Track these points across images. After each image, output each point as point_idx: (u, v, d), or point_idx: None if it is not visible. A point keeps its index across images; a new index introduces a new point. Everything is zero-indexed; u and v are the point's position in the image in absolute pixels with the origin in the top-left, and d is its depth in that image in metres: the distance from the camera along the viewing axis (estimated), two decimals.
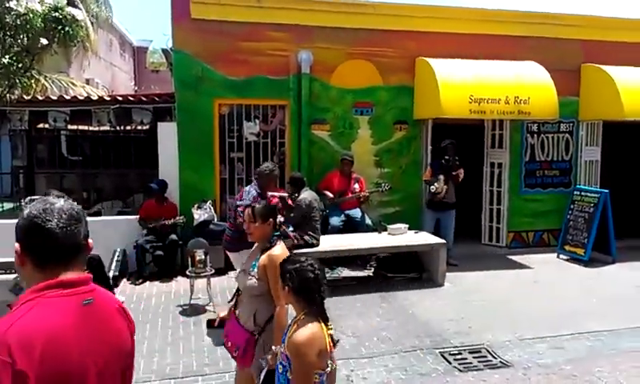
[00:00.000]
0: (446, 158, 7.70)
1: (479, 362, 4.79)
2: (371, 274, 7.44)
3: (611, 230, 8.03)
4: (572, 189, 8.89)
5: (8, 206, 9.01)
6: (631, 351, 5.00)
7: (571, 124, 9.07)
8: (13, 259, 4.95)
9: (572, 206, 8.47)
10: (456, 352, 4.97)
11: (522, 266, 7.95)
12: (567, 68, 8.69)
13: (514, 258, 8.41)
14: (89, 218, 6.02)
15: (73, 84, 10.92)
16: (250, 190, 5.37)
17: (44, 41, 6.00)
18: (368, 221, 7.77)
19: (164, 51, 9.10)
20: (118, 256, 7.17)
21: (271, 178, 5.49)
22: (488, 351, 5.00)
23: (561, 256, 8.43)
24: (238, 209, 5.26)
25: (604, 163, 9.35)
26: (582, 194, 8.39)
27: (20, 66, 6.00)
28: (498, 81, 7.75)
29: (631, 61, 8.66)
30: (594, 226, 7.95)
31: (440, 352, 4.95)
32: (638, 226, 9.81)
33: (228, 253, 5.52)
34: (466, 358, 4.85)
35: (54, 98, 8.58)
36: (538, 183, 9.07)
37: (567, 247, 8.36)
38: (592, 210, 8.08)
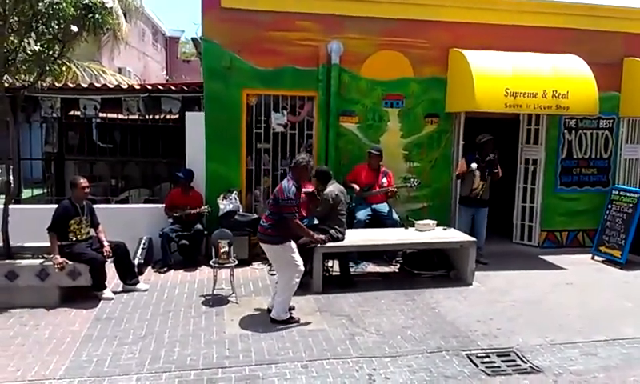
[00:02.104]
0: (491, 156, 7.44)
1: (508, 366, 4.59)
2: (397, 271, 7.29)
3: None
4: (610, 188, 8.53)
5: (37, 191, 9.17)
6: None
7: (611, 120, 8.69)
8: (40, 244, 5.04)
9: (609, 206, 8.12)
10: (483, 355, 4.79)
11: (554, 267, 7.67)
12: (608, 61, 8.33)
13: (546, 258, 8.13)
14: (116, 206, 6.10)
15: (103, 72, 11.02)
16: (290, 187, 5.22)
17: (74, 28, 5.97)
18: (395, 216, 7.60)
19: (194, 40, 9.08)
20: (144, 244, 7.20)
21: (308, 170, 5.45)
22: (517, 355, 4.80)
23: (596, 257, 8.11)
24: (290, 213, 5.20)
25: None
26: (621, 193, 8.03)
27: (51, 53, 6.00)
28: (535, 74, 7.43)
29: None
30: (633, 227, 7.59)
31: (467, 354, 4.78)
32: None
33: (263, 245, 5.42)
34: (493, 362, 4.67)
35: (85, 85, 8.66)
36: (574, 181, 8.73)
37: (603, 248, 8.03)
38: (631, 210, 7.73)
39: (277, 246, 5.29)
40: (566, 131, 8.63)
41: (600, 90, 7.61)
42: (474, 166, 7.40)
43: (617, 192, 8.13)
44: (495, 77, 7.35)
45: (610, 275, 7.39)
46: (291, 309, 5.50)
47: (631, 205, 7.75)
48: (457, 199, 7.97)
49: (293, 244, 5.39)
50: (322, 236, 5.98)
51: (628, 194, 7.90)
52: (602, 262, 7.97)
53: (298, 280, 5.38)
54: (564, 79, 7.51)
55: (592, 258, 8.13)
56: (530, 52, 7.86)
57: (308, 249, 6.09)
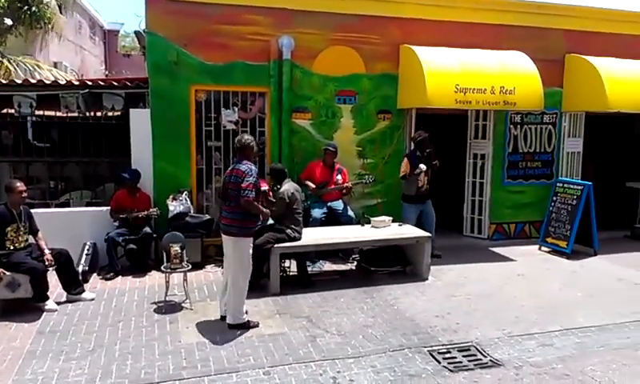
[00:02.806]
0: (428, 150, 7.49)
1: (469, 361, 4.62)
2: (354, 268, 7.24)
3: (594, 222, 7.99)
4: (554, 181, 8.84)
5: None
6: (620, 348, 4.91)
7: (554, 115, 8.99)
8: None
9: (554, 198, 8.41)
10: (445, 351, 4.80)
11: (504, 259, 7.86)
12: (551, 58, 8.60)
13: (496, 250, 8.33)
14: (56, 210, 5.66)
15: (39, 66, 10.32)
16: (252, 168, 5.00)
17: (8, 21, 5.54)
18: (350, 213, 7.55)
19: (137, 34, 8.66)
20: (88, 249, 6.80)
21: (254, 149, 5.26)
22: (477, 349, 4.84)
23: (542, 248, 8.38)
24: (247, 189, 4.89)
25: (585, 154, 9.35)
26: (565, 185, 8.32)
27: None
28: (483, 70, 7.58)
29: (615, 52, 8.62)
30: (577, 218, 7.88)
31: (428, 351, 4.78)
32: (618, 218, 9.87)
33: (226, 238, 5.13)
34: (455, 357, 4.68)
35: (19, 81, 8.07)
36: (520, 175, 8.99)
37: (549, 239, 8.30)
38: (575, 202, 8.02)
39: (241, 239, 5.05)
40: (511, 126, 8.86)
41: (544, 86, 7.84)
42: (422, 167, 7.42)
43: (561, 184, 8.42)
44: (445, 73, 7.43)
45: (557, 265, 7.64)
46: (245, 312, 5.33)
47: (575, 196, 8.04)
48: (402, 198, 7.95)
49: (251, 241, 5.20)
50: (268, 211, 5.53)
51: (572, 186, 8.19)
52: (549, 252, 8.24)
53: (248, 279, 5.20)
54: (510, 75, 7.68)
55: (539, 249, 8.39)
56: (477, 48, 7.99)
57: (265, 249, 5.94)
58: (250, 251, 5.16)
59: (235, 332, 5.04)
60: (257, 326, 5.17)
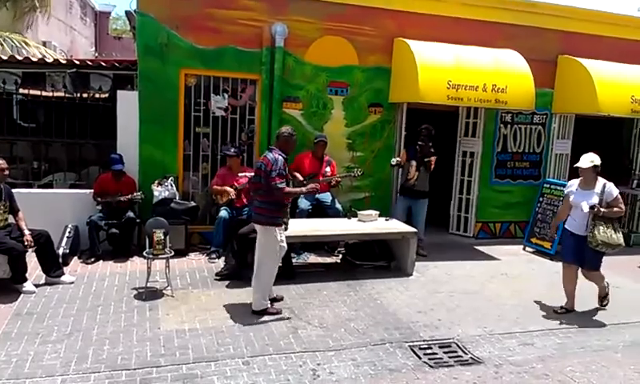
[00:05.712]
0: (419, 144, 7.47)
1: (450, 357, 4.62)
2: (338, 261, 7.21)
3: None
4: (541, 181, 8.86)
5: None
6: (600, 350, 4.94)
7: (544, 116, 8.99)
8: None
9: (541, 199, 8.43)
10: (426, 346, 4.79)
11: (489, 258, 7.87)
12: (544, 58, 8.57)
13: (481, 248, 8.34)
14: (38, 190, 5.53)
15: (26, 43, 10.10)
16: (277, 157, 5.00)
17: None
18: (338, 205, 7.50)
19: (127, 14, 8.50)
20: (70, 232, 6.70)
21: (291, 142, 5.24)
22: (458, 346, 4.84)
23: (527, 248, 8.40)
24: (276, 181, 4.94)
25: (573, 157, 9.35)
26: (552, 186, 8.34)
27: None
28: (476, 67, 7.52)
29: (608, 55, 8.62)
30: (562, 220, 7.87)
31: (409, 346, 4.77)
32: None
33: (256, 226, 5.18)
34: (436, 353, 4.67)
35: (5, 57, 7.89)
36: (508, 174, 8.99)
37: (534, 240, 8.33)
38: (561, 203, 8.03)
39: (269, 227, 5.07)
40: (501, 125, 8.85)
41: (536, 86, 7.80)
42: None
43: (548, 185, 8.44)
44: (439, 68, 7.36)
45: (541, 266, 7.66)
46: (280, 299, 5.49)
47: (562, 198, 8.04)
48: (397, 189, 8.01)
49: (281, 229, 5.22)
50: (313, 185, 5.64)
51: (559, 188, 8.21)
52: (533, 252, 8.26)
53: (274, 268, 5.28)
54: (503, 73, 7.64)
55: (524, 249, 8.42)
56: (471, 45, 7.94)
57: (250, 238, 5.86)
58: (277, 240, 5.15)
59: (217, 321, 4.98)
60: (280, 313, 5.26)
